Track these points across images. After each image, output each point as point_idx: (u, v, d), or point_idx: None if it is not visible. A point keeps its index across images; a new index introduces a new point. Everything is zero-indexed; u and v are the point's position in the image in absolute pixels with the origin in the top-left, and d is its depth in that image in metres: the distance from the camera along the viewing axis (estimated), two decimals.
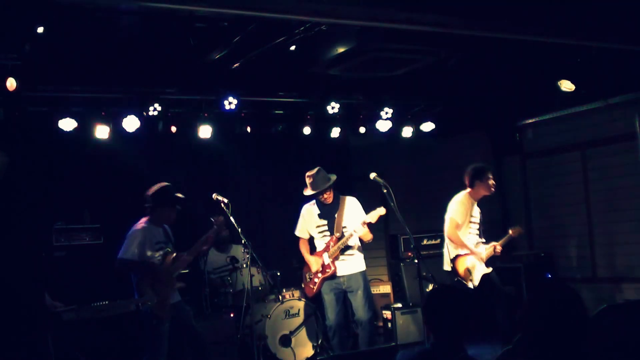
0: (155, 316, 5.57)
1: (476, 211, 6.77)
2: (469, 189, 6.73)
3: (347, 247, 6.57)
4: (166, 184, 5.93)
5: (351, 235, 6.46)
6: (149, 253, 5.68)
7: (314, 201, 6.73)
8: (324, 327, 6.94)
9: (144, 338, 5.71)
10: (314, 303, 7.12)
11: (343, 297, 6.65)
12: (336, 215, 6.59)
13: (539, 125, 8.67)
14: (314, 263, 6.69)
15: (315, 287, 6.66)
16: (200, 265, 7.70)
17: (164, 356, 5.66)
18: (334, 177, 6.59)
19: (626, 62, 6.62)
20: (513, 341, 2.91)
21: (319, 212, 6.66)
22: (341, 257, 6.56)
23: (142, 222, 5.78)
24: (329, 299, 6.60)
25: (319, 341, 7.04)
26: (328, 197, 6.58)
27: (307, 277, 6.79)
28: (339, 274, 6.56)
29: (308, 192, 6.61)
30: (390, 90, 8.03)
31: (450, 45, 6.33)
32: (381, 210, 6.38)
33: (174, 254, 5.84)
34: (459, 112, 8.66)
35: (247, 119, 7.79)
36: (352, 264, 6.59)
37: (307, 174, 6.60)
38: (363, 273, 6.63)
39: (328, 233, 6.63)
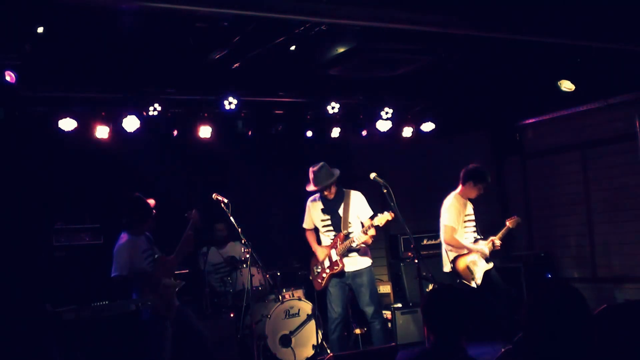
0: (161, 316, 5.56)
1: (469, 209, 6.79)
2: (459, 188, 6.76)
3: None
4: (136, 195, 5.83)
5: (352, 240, 6.43)
6: (138, 264, 5.66)
7: (318, 195, 6.72)
8: (324, 326, 6.93)
9: (148, 340, 5.68)
10: (319, 297, 7.05)
11: (348, 290, 6.65)
12: (341, 212, 6.58)
13: (539, 125, 8.67)
14: (320, 253, 6.67)
15: (323, 282, 6.62)
16: (200, 265, 7.70)
17: (168, 358, 5.64)
18: (337, 173, 6.55)
19: (626, 62, 6.62)
20: (513, 341, 2.91)
21: (322, 207, 6.65)
22: (349, 253, 6.54)
23: (124, 237, 5.75)
24: (334, 291, 6.57)
25: (319, 341, 7.04)
26: (330, 192, 6.57)
27: (315, 270, 6.73)
28: (346, 270, 6.54)
29: (310, 187, 6.60)
30: (390, 90, 8.02)
31: (450, 46, 6.33)
32: (388, 216, 6.27)
33: (163, 258, 5.80)
34: (459, 112, 8.66)
35: (247, 119, 7.79)
36: (358, 261, 6.57)
37: (311, 169, 6.58)
38: (369, 269, 6.60)
39: (331, 228, 6.62)
